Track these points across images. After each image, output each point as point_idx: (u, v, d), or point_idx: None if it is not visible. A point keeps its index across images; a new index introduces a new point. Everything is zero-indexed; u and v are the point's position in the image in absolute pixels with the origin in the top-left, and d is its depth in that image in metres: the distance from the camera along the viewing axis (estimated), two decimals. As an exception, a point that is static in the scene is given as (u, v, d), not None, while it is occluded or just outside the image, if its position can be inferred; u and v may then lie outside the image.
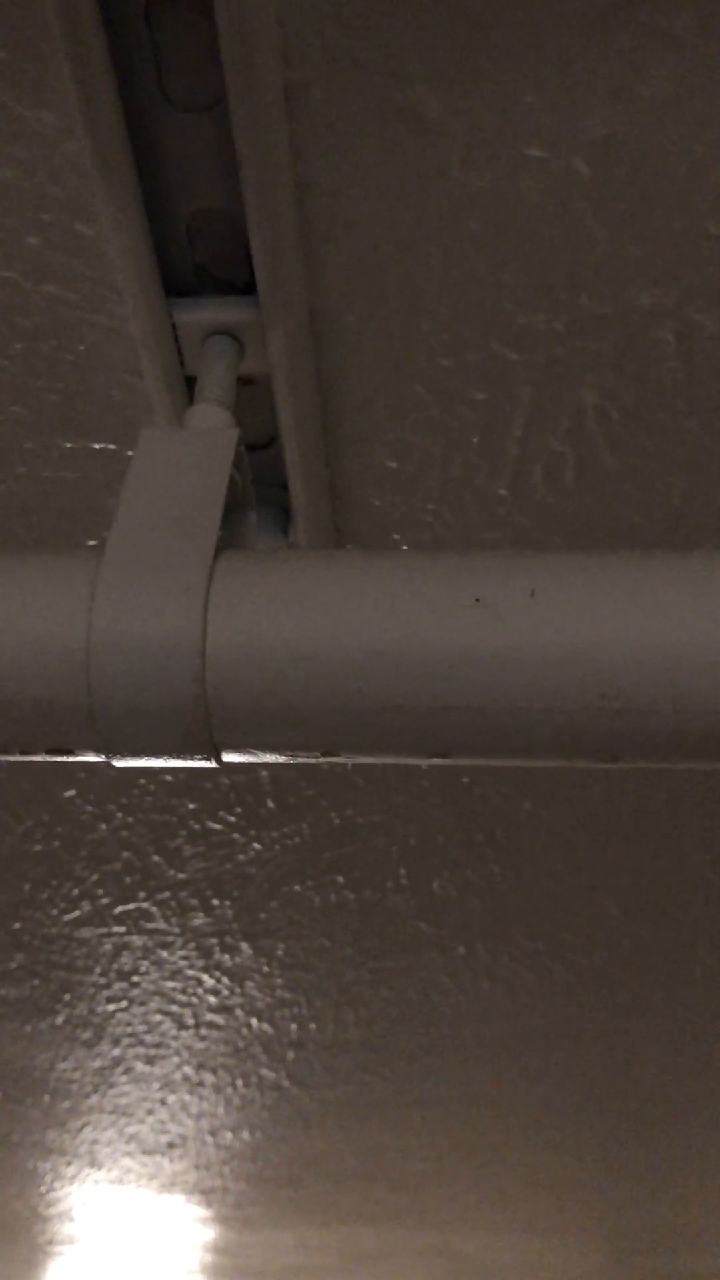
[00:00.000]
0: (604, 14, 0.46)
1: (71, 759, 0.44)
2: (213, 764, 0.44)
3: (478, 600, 0.41)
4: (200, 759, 0.43)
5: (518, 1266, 2.49)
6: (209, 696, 0.41)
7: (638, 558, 0.42)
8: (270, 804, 0.95)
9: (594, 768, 0.40)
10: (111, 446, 0.64)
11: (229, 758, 0.44)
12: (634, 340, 0.57)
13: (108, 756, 0.43)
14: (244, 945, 1.15)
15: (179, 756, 0.43)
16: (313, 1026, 1.33)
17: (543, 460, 0.63)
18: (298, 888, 1.05)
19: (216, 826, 0.98)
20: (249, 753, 0.43)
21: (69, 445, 0.64)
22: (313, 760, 0.43)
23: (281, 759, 0.43)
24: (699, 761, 0.41)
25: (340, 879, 1.04)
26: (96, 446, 0.64)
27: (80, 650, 0.41)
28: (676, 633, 0.40)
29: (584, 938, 1.12)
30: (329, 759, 0.43)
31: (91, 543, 0.68)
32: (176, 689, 0.41)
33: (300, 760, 0.43)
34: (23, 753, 0.43)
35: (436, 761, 0.43)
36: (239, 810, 0.96)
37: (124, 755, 0.43)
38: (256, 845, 1.00)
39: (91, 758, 0.44)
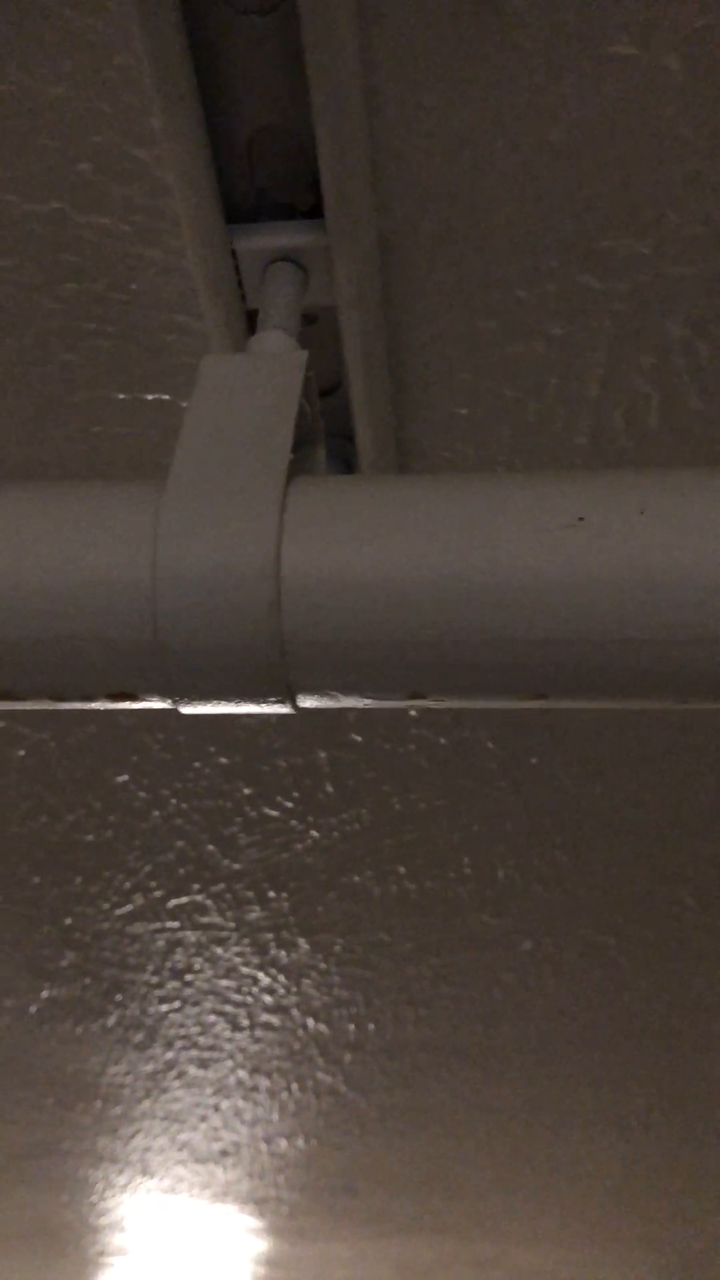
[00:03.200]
0: None
1: (135, 705, 0.40)
2: (288, 709, 0.40)
3: (581, 520, 0.37)
4: (274, 703, 0.39)
5: (575, 1274, 2.42)
6: (284, 631, 0.38)
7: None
8: (329, 788, 0.91)
9: (711, 709, 0.37)
10: (165, 397, 0.61)
11: (305, 702, 0.40)
12: (728, 263, 0.53)
13: (174, 701, 0.39)
14: (301, 940, 1.11)
15: (252, 700, 0.39)
16: (371, 1027, 1.29)
17: (625, 403, 0.59)
18: (357, 878, 1.01)
19: (273, 813, 0.94)
20: (328, 695, 0.39)
21: (121, 397, 0.61)
22: (398, 704, 0.39)
23: (363, 703, 0.39)
24: None
25: (401, 869, 0.99)
26: (149, 398, 0.61)
27: (145, 583, 0.38)
28: None
29: (656, 931, 1.07)
30: (415, 702, 0.39)
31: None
32: (249, 622, 0.37)
33: (384, 704, 0.39)
34: (84, 699, 0.40)
35: (533, 704, 0.39)
36: (296, 795, 0.92)
37: (192, 700, 0.39)
38: (314, 833, 0.96)
39: (157, 704, 0.40)
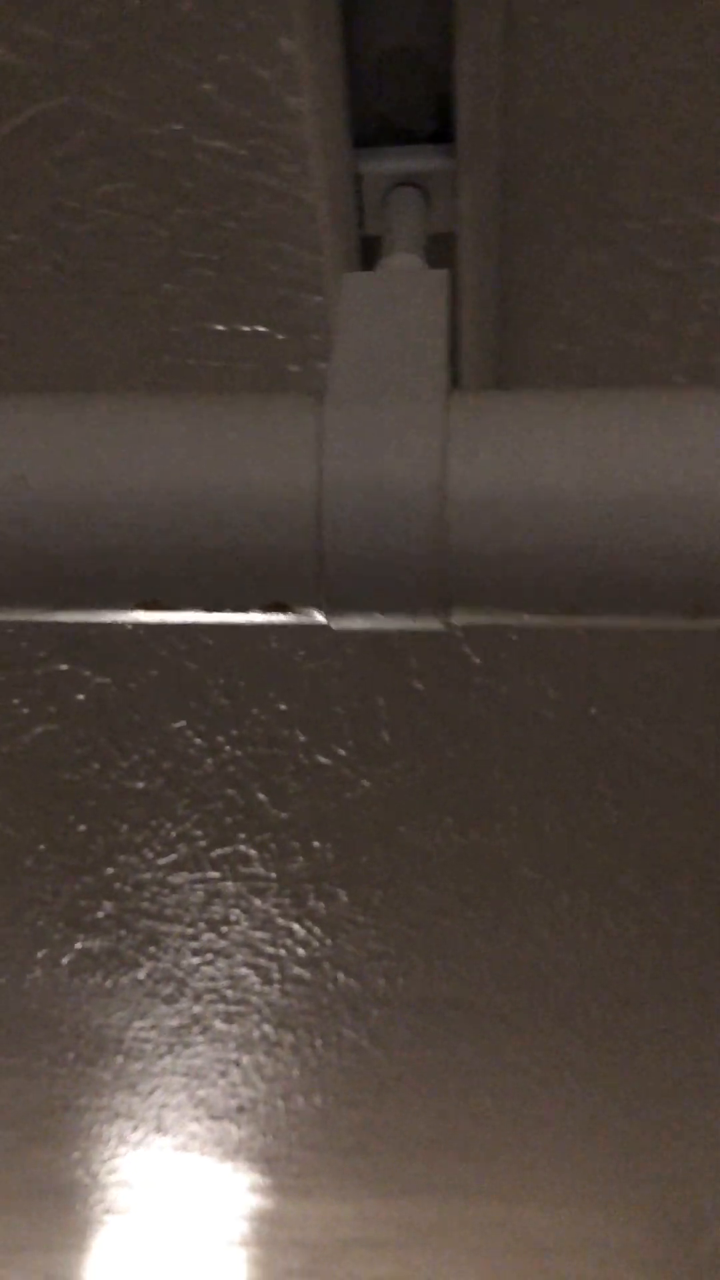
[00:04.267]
0: None
1: (287, 618, 0.40)
2: (442, 624, 0.40)
3: (748, 434, 0.37)
4: (430, 616, 0.39)
5: (579, 1242, 2.45)
6: (450, 543, 0.38)
7: None
8: (385, 736, 0.91)
9: None
10: (262, 329, 0.61)
11: (460, 617, 0.40)
12: None
13: (328, 613, 0.40)
14: (340, 892, 1.12)
15: (408, 613, 0.39)
16: (401, 981, 1.30)
17: (727, 341, 0.59)
18: (403, 829, 1.01)
19: (326, 761, 0.94)
20: (484, 610, 0.39)
21: (219, 328, 0.60)
22: (555, 621, 0.39)
23: (519, 618, 0.40)
24: None
25: (449, 819, 1.00)
26: (246, 329, 0.61)
27: (311, 492, 0.38)
28: None
29: (698, 889, 1.08)
30: (572, 618, 0.39)
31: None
32: (415, 533, 0.38)
33: (539, 620, 0.40)
34: (238, 609, 0.40)
35: (693, 624, 0.39)
36: (351, 744, 0.92)
37: (348, 612, 0.39)
38: (365, 782, 0.96)
39: (310, 617, 0.40)
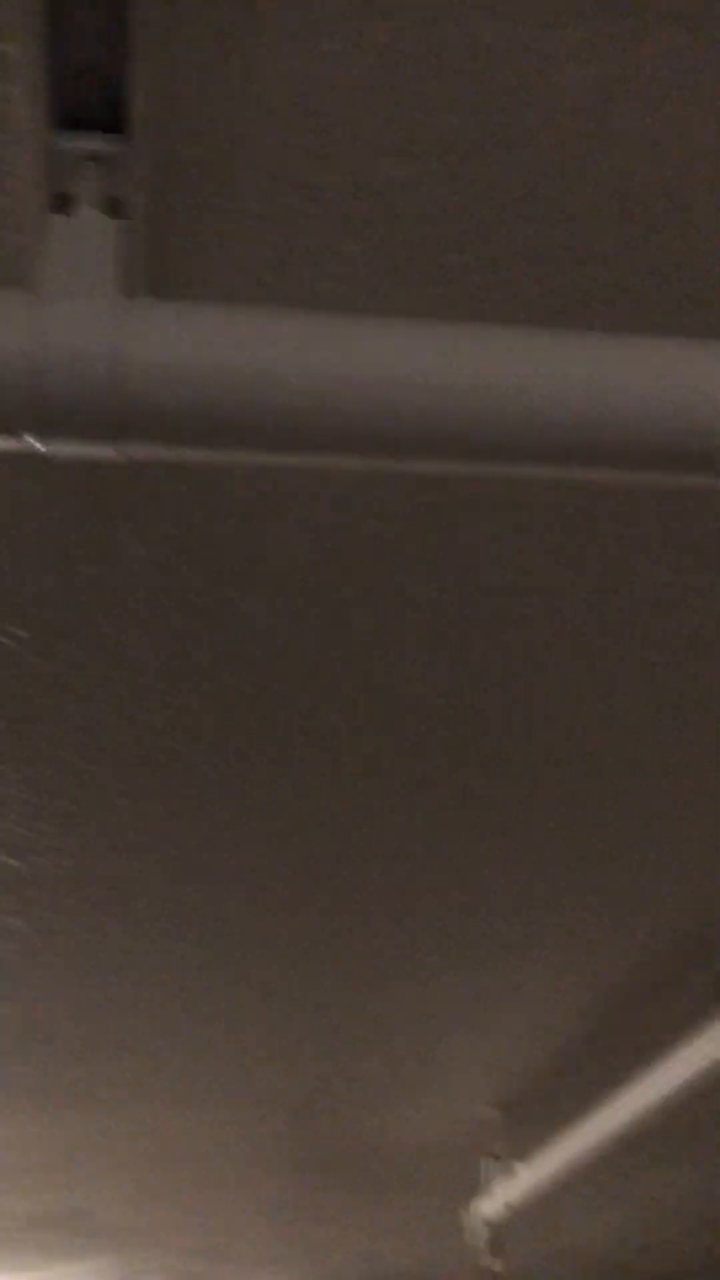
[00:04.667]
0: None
1: (20, 444, 0.59)
2: (116, 453, 0.61)
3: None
4: (110, 445, 0.60)
5: (211, 1135, 2.67)
6: (125, 391, 0.59)
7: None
8: (66, 620, 1.10)
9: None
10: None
11: (132, 450, 0.61)
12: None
13: (43, 442, 0.60)
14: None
15: (97, 442, 0.60)
16: (37, 858, 1.48)
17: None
18: (72, 708, 1.21)
19: (7, 641, 1.12)
20: (146, 443, 0.61)
21: (-61, 255, 0.78)
22: (195, 455, 0.61)
23: (171, 452, 0.61)
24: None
25: (103, 699, 1.20)
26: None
27: (29, 353, 0.58)
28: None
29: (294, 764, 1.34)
30: (209, 453, 0.61)
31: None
32: (99, 385, 0.58)
33: (185, 454, 0.61)
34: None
35: (291, 459, 0.62)
36: (36, 626, 1.10)
37: (55, 442, 0.60)
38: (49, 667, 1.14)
39: (32, 445, 0.60)
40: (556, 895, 1.75)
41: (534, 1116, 2.55)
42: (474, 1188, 2.66)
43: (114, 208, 0.73)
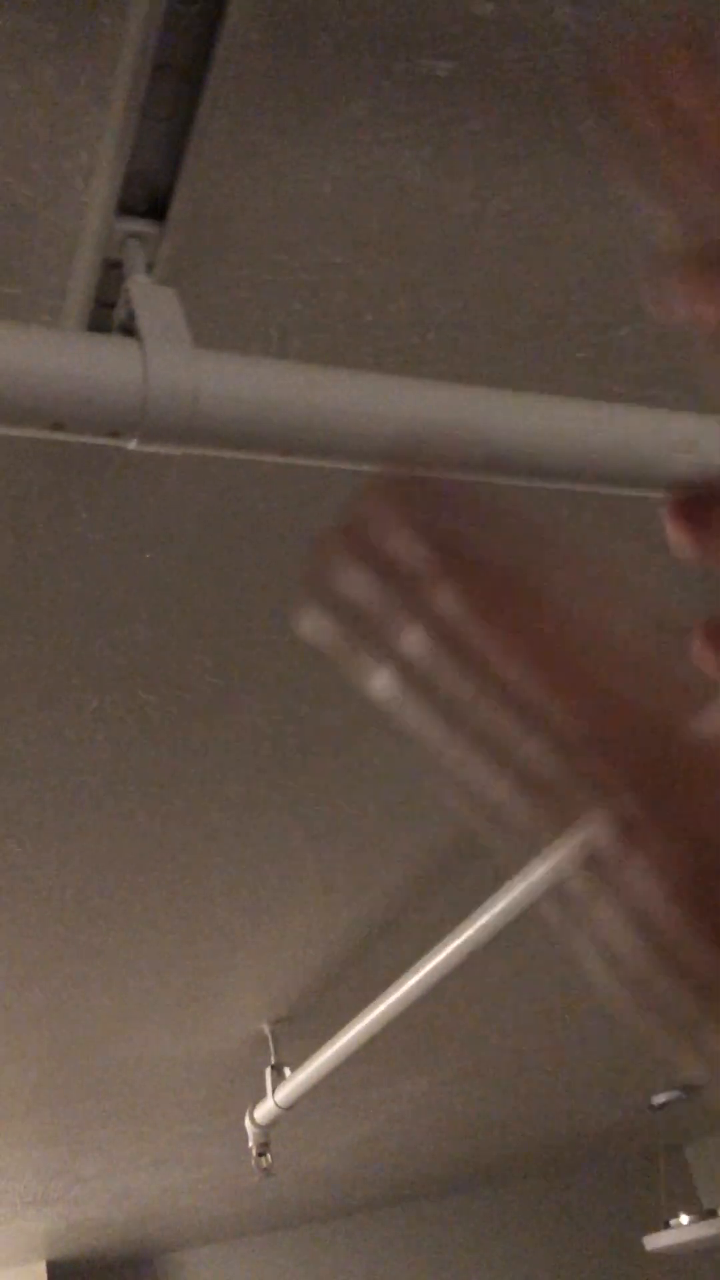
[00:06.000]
0: (360, 122, 0.99)
1: (118, 441, 0.87)
2: (180, 449, 0.90)
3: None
4: (182, 447, 0.89)
5: None
6: (199, 410, 0.88)
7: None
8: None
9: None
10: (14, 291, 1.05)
11: (197, 449, 0.90)
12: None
13: (140, 443, 0.88)
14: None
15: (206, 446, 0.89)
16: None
17: (266, 339, 1.14)
18: (-4, 648, 1.45)
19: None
20: (216, 446, 0.90)
21: (6, 291, 1.04)
22: (241, 454, 0.91)
23: (232, 452, 0.91)
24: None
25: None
26: (8, 291, 1.04)
27: (140, 384, 0.86)
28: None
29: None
30: (254, 453, 0.91)
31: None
32: (183, 408, 0.88)
33: (235, 453, 0.91)
34: (93, 434, 0.86)
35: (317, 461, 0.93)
36: (-23, 578, 1.34)
37: (151, 444, 0.88)
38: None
39: (127, 442, 0.88)
40: (321, 813, 2.08)
41: (310, 1031, 2.90)
42: (254, 1100, 2.99)
43: (151, 274, 1.02)
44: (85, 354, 0.86)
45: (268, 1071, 2.91)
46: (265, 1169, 2.90)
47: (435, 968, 2.33)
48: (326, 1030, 2.79)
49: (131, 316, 0.91)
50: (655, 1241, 4.59)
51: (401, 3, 0.93)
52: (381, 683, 0.39)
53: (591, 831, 0.36)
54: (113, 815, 1.89)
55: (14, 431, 0.85)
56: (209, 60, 0.89)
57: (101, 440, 0.88)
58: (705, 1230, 4.37)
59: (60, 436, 0.86)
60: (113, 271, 1.01)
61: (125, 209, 0.98)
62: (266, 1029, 2.95)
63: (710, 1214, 4.43)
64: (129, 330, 0.92)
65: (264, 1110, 2.90)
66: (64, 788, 1.78)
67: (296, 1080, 2.79)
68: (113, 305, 1.00)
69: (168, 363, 0.88)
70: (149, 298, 0.92)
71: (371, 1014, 2.56)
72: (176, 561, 1.41)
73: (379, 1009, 2.54)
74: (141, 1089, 3.20)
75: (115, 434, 0.88)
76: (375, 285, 1.11)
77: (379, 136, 1.01)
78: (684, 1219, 4.48)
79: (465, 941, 2.21)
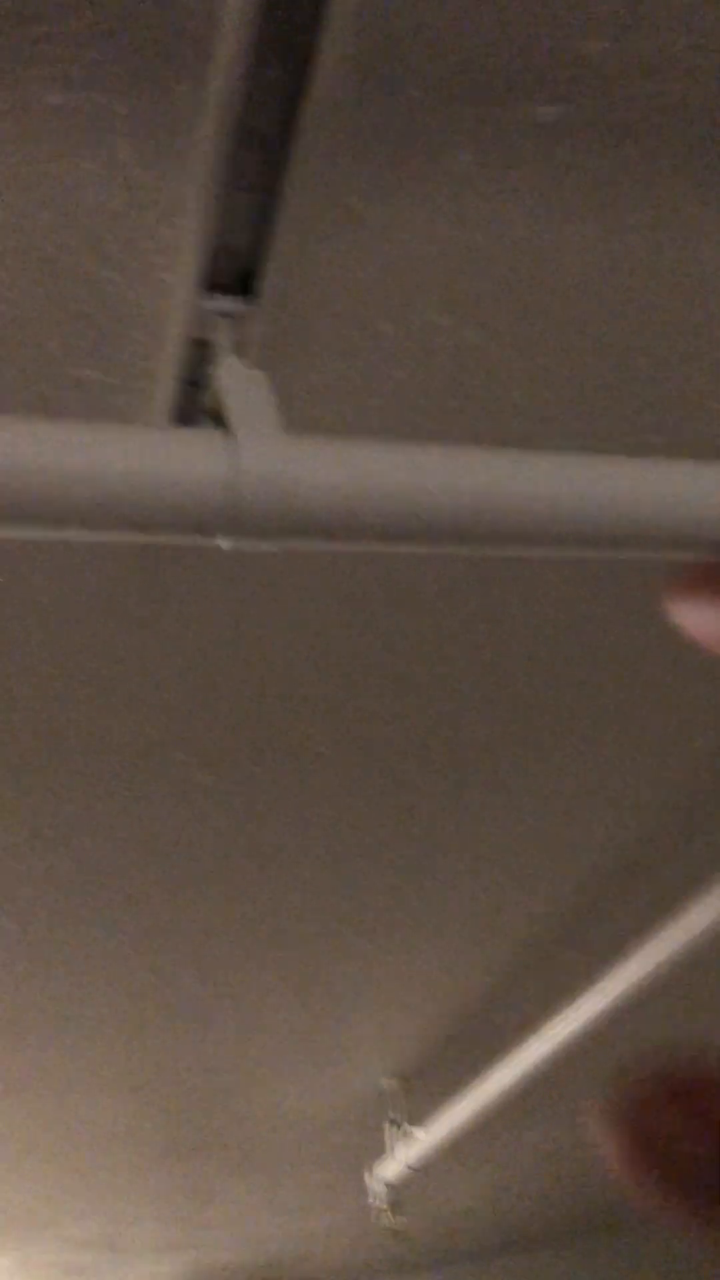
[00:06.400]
0: (460, 177, 0.91)
1: (205, 539, 0.81)
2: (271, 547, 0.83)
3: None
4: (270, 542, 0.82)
5: (101, 1122, 2.82)
6: (293, 503, 0.81)
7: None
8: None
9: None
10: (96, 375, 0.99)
11: (284, 545, 0.83)
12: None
13: (233, 542, 0.81)
14: None
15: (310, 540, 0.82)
16: None
17: (366, 408, 1.07)
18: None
19: None
20: (308, 539, 0.83)
21: (88, 373, 0.98)
22: (338, 546, 0.84)
23: (322, 544, 0.83)
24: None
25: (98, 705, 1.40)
26: (92, 375, 0.99)
27: (232, 480, 0.79)
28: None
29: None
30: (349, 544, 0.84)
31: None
32: (275, 501, 0.81)
33: (329, 545, 0.84)
34: (184, 534, 0.80)
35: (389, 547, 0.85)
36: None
37: (242, 540, 0.81)
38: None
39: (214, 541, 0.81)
40: (443, 868, 1.99)
41: (432, 1084, 2.81)
42: (374, 1156, 2.91)
43: (241, 354, 0.95)
44: (166, 450, 0.79)
45: (387, 1126, 2.83)
46: (396, 1230, 2.80)
47: (581, 1015, 2.22)
48: (452, 1083, 2.69)
49: (219, 404, 0.84)
50: None
51: (500, 46, 0.85)
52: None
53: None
54: (228, 879, 1.84)
55: (93, 538, 0.79)
56: (294, 124, 0.82)
57: (191, 541, 0.81)
58: None
59: (144, 539, 0.80)
60: (201, 351, 0.95)
61: (212, 286, 0.92)
62: (387, 1082, 2.87)
63: None
64: (218, 418, 0.86)
65: (388, 1168, 2.81)
66: (176, 857, 1.73)
67: (421, 1138, 2.70)
68: (203, 385, 0.94)
69: (258, 454, 0.81)
70: (237, 383, 0.85)
71: (506, 1068, 2.46)
72: (282, 633, 1.35)
73: (515, 1061, 2.44)
74: (263, 1140, 3.15)
75: (205, 534, 0.81)
76: (487, 349, 1.03)
77: (484, 190, 0.93)
78: None
79: (614, 986, 2.10)
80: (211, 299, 0.92)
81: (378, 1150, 2.93)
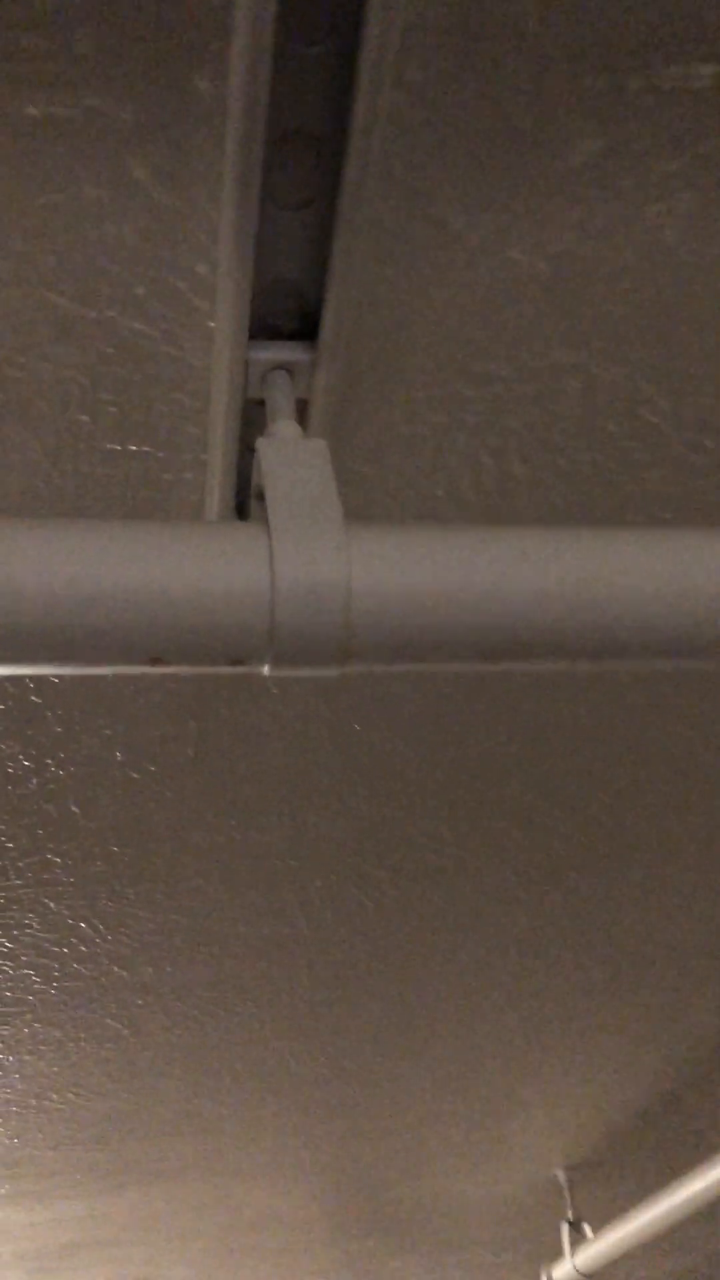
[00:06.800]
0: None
1: (238, 669, 0.61)
2: (337, 672, 0.63)
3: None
4: (335, 666, 0.62)
5: (276, 1205, 2.68)
6: (352, 620, 0.61)
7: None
8: (189, 752, 1.12)
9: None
10: (148, 449, 0.81)
11: (352, 668, 0.63)
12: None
13: (272, 668, 0.61)
14: (129, 890, 1.31)
15: (323, 666, 0.62)
16: (167, 969, 1.49)
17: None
18: (195, 833, 1.22)
19: (136, 776, 1.13)
20: (369, 663, 0.63)
21: (113, 447, 0.80)
22: (401, 669, 0.63)
23: (386, 669, 0.63)
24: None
25: (233, 821, 1.22)
26: (134, 449, 0.81)
27: (266, 592, 0.60)
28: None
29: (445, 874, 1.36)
30: (415, 668, 0.63)
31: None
32: (329, 615, 0.60)
33: (394, 669, 0.63)
34: (210, 665, 0.60)
35: (493, 667, 0.64)
36: (161, 760, 1.12)
37: (283, 667, 0.61)
38: (169, 793, 1.16)
39: (257, 669, 0.62)
40: (625, 968, 1.77)
41: (608, 1179, 2.55)
42: (544, 1251, 2.66)
43: (301, 412, 0.75)
44: (187, 556, 0.60)
45: (564, 1226, 2.57)
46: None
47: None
48: (631, 1179, 2.43)
49: (264, 488, 0.65)
50: None
51: (631, -8, 0.63)
52: None
53: None
54: (405, 976, 1.65)
55: (94, 671, 0.60)
56: (348, 117, 0.62)
57: (222, 671, 0.61)
58: None
59: (160, 671, 0.61)
60: (259, 409, 0.76)
61: (262, 331, 0.73)
62: (561, 1175, 2.61)
63: None
64: (264, 501, 0.66)
65: (562, 1272, 2.56)
66: (354, 953, 1.54)
67: (600, 1242, 2.43)
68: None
69: (303, 555, 0.61)
70: (286, 458, 0.65)
71: (695, 1177, 2.18)
72: (389, 730, 1.14)
73: (703, 1171, 2.16)
74: (428, 1226, 2.94)
75: (238, 662, 0.61)
76: (624, 389, 0.80)
77: (614, 187, 0.71)
78: None
79: None
80: (263, 347, 0.72)
81: (555, 1248, 2.68)
